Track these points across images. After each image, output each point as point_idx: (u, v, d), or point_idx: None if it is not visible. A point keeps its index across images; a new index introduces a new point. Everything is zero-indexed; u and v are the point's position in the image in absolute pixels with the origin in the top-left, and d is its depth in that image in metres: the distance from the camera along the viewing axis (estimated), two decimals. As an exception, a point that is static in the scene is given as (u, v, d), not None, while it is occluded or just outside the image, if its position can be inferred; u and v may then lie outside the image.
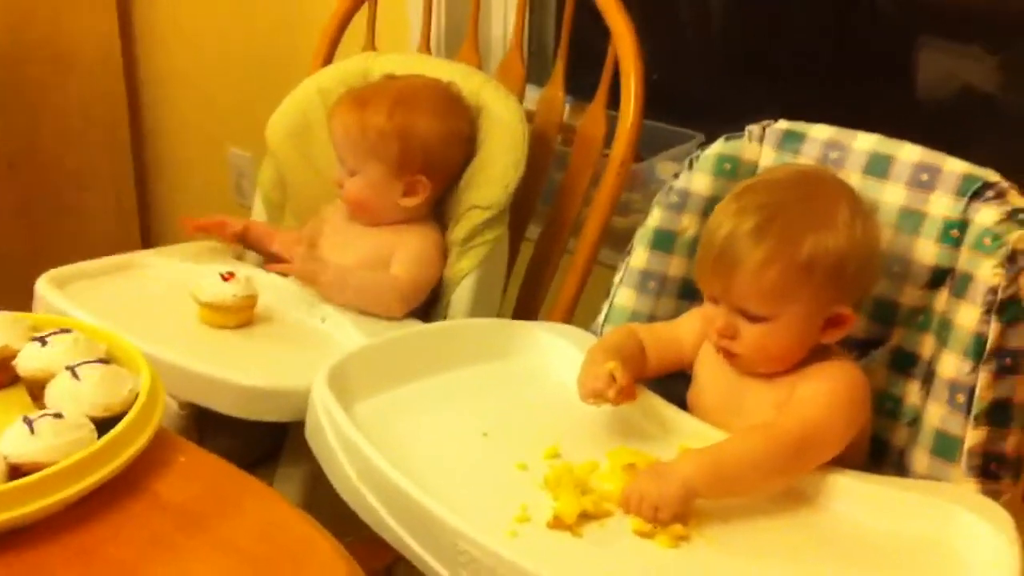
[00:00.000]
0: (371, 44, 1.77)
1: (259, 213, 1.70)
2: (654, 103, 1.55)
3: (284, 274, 1.48)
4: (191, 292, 1.43)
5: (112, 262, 1.54)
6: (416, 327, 1.35)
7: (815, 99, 1.93)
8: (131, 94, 2.56)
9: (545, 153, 1.62)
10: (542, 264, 1.64)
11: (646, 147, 1.80)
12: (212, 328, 1.41)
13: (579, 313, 1.55)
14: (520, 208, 1.57)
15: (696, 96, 2.09)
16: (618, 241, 1.56)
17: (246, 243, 1.64)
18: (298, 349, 1.38)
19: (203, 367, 1.28)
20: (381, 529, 1.07)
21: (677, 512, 1.04)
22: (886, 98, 1.92)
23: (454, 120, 1.53)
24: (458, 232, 1.51)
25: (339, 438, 1.13)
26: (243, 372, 1.28)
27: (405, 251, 1.51)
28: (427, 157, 1.51)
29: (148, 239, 2.64)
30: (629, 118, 1.51)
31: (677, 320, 1.30)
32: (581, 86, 1.70)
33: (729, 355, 1.18)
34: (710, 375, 1.24)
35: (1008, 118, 1.84)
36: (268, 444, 1.40)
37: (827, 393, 1.12)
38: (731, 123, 1.35)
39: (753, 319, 1.14)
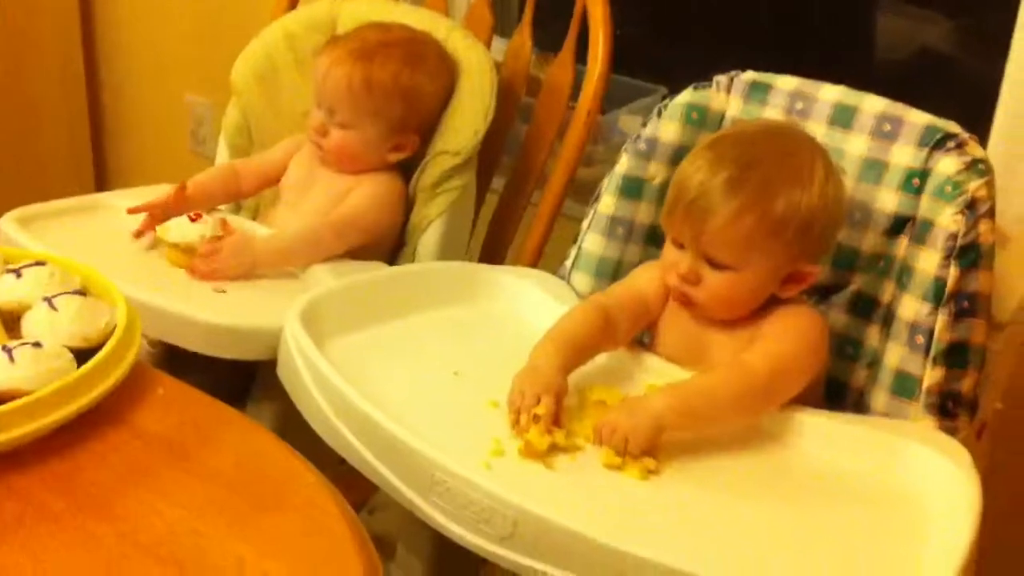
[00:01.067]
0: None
1: (223, 160, 1.69)
2: (616, 58, 1.56)
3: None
4: (158, 233, 1.42)
5: (77, 202, 1.53)
6: (386, 269, 1.37)
7: (776, 57, 1.95)
8: (86, 40, 2.52)
9: (512, 103, 1.63)
10: (507, 215, 1.65)
11: (608, 100, 1.81)
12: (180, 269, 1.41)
13: (543, 264, 1.57)
14: (485, 159, 1.58)
15: (657, 52, 2.11)
16: (580, 192, 1.58)
17: (192, 205, 1.50)
18: (267, 289, 1.39)
19: (174, 305, 1.28)
20: (357, 463, 1.08)
21: (646, 446, 1.06)
22: (845, 58, 1.96)
23: (447, 79, 1.54)
24: (425, 178, 1.52)
25: (313, 375, 1.14)
26: (213, 310, 1.28)
27: (356, 193, 1.51)
28: (425, 117, 1.52)
29: (103, 187, 2.61)
30: (597, 67, 1.53)
31: (634, 278, 1.29)
32: (541, 37, 1.70)
33: (686, 301, 1.20)
34: (671, 328, 1.26)
35: (962, 80, 1.88)
36: (236, 384, 1.40)
37: (791, 332, 1.16)
38: (690, 79, 1.37)
39: (718, 267, 1.16)
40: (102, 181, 2.64)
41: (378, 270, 1.40)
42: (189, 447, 0.97)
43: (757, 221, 1.13)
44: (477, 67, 1.54)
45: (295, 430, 1.18)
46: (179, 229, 1.41)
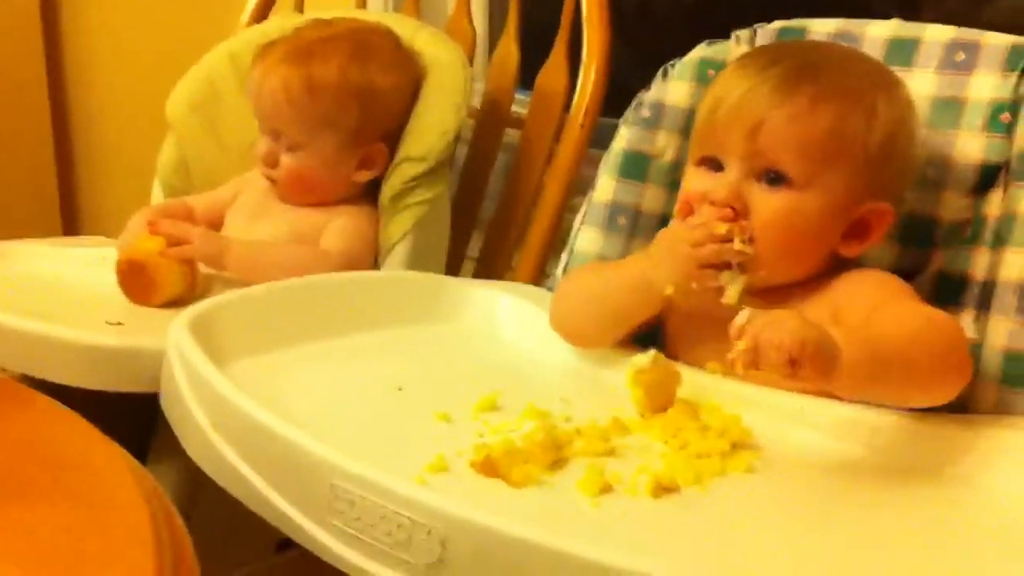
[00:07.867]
0: (299, 6, 1.53)
1: (157, 202, 1.42)
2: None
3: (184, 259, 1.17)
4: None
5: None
6: (318, 276, 1.05)
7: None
8: (52, 72, 2.26)
9: (495, 131, 1.36)
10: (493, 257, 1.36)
11: (597, 145, 1.54)
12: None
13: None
14: (462, 204, 1.31)
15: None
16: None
17: None
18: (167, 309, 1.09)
19: (38, 326, 0.98)
20: (238, 489, 0.76)
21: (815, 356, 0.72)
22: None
23: (409, 73, 1.27)
24: (387, 191, 1.23)
25: (198, 391, 0.83)
26: (88, 329, 0.98)
27: (335, 226, 1.23)
28: (388, 121, 1.25)
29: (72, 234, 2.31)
30: (596, 55, 1.25)
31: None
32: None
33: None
34: (692, 323, 0.94)
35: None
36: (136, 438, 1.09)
37: (900, 294, 0.87)
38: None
39: (778, 182, 0.87)
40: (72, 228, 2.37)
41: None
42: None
43: (841, 112, 0.86)
44: (447, 62, 1.26)
45: (210, 497, 0.87)
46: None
